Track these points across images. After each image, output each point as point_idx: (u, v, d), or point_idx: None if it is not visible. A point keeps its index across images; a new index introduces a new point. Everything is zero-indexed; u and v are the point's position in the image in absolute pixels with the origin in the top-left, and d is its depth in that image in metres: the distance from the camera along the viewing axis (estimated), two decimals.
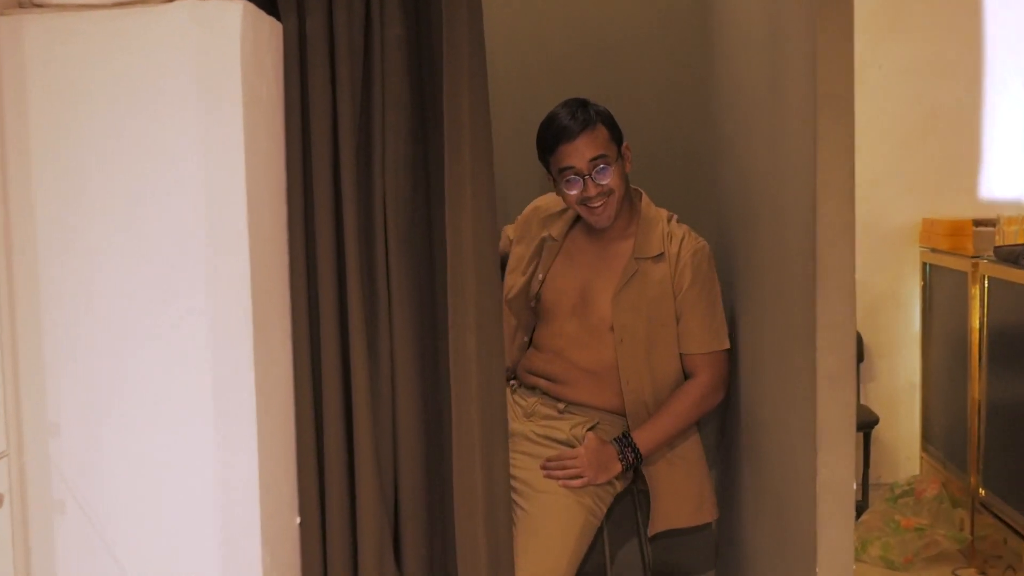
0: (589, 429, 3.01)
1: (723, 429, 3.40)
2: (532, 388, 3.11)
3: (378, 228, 2.50)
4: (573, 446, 2.99)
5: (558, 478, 2.91)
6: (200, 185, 2.17)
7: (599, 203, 2.90)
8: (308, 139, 2.46)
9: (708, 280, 2.96)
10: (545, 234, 3.11)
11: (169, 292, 2.18)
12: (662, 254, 2.95)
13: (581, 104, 2.92)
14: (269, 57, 2.36)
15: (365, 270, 2.49)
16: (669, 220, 3.00)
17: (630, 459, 2.95)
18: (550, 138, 2.90)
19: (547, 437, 3.02)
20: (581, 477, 2.90)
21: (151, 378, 2.19)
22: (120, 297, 2.18)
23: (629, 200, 3.00)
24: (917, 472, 5.08)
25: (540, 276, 3.07)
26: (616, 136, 2.93)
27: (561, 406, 3.05)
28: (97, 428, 2.21)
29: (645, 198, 3.05)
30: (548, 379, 3.08)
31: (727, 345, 2.99)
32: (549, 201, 3.18)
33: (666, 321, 2.96)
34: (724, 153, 3.31)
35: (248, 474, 2.21)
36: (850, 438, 2.19)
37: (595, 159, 2.87)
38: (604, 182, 2.88)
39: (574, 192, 2.91)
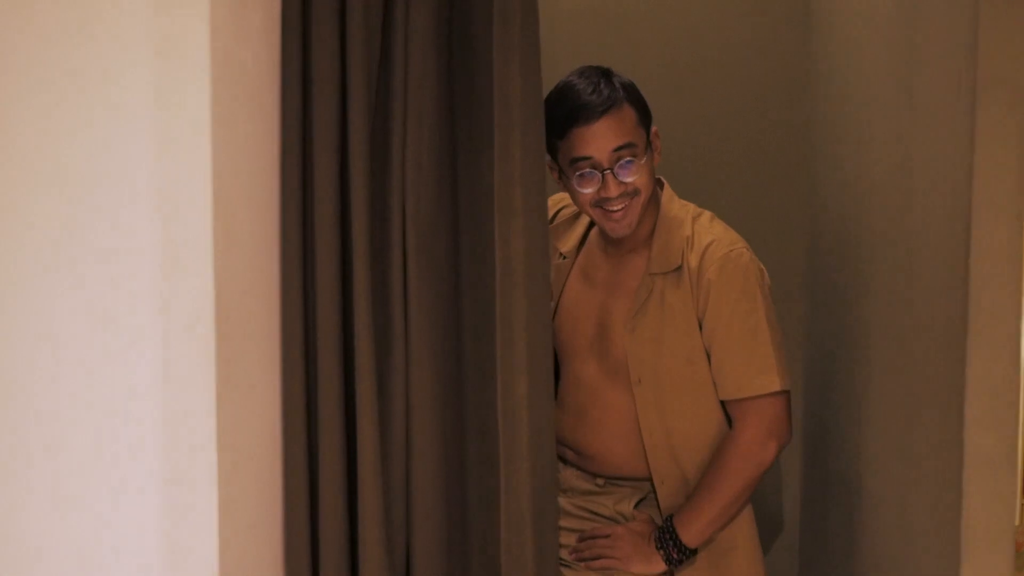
0: (639, 503, 2.40)
1: (807, 490, 2.84)
2: (559, 457, 2.50)
3: (395, 240, 2.00)
4: (620, 523, 2.40)
5: (590, 563, 2.34)
6: (151, 183, 1.67)
7: (620, 206, 2.26)
8: (309, 125, 1.96)
9: (745, 299, 2.27)
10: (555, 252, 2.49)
11: (108, 318, 1.68)
12: (681, 267, 2.30)
13: (603, 75, 2.28)
14: (257, 16, 1.85)
15: (377, 294, 2.00)
16: (696, 219, 2.34)
17: (673, 555, 2.31)
18: (562, 117, 2.23)
19: (589, 511, 2.44)
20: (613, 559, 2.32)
21: (83, 427, 1.69)
22: (45, 323, 1.68)
23: (655, 201, 2.36)
24: (1017, 522, 4.43)
25: (552, 304, 2.45)
26: (645, 119, 2.28)
27: (600, 481, 2.45)
28: (12, 491, 1.70)
29: (667, 191, 2.38)
30: (576, 452, 2.45)
31: (777, 386, 2.26)
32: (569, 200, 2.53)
33: (692, 356, 2.30)
34: (824, 159, 2.77)
35: (205, 557, 1.69)
36: (1008, 547, 1.62)
37: (620, 149, 2.24)
38: (629, 179, 2.24)
39: (588, 191, 2.26)
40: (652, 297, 2.31)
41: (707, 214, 2.39)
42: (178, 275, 1.68)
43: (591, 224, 2.47)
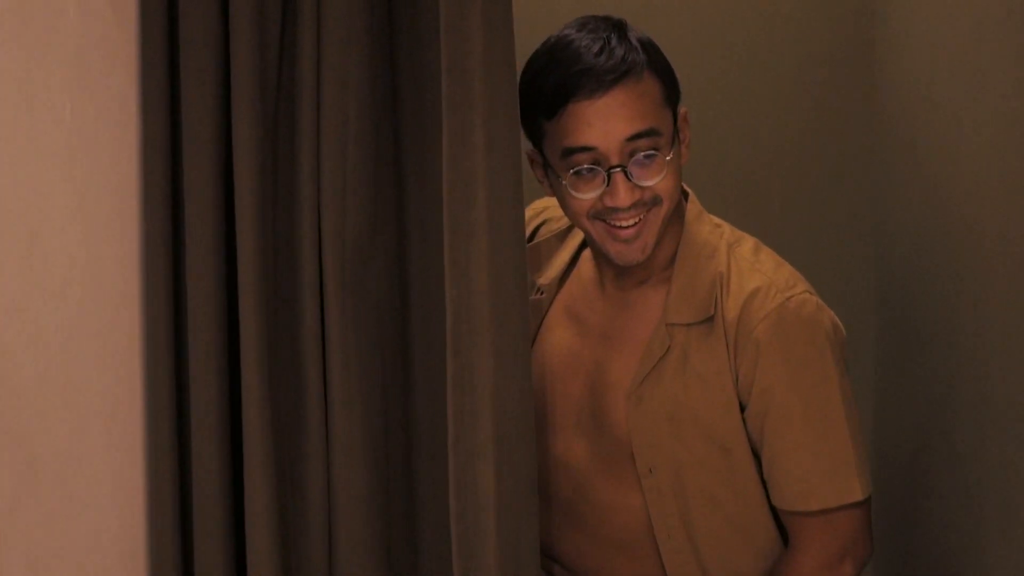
0: None
1: None
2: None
3: (306, 274, 1.41)
4: None
5: None
6: None
7: (632, 220, 1.63)
8: (176, 106, 1.38)
9: (811, 370, 1.67)
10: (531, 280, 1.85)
11: None
12: (713, 317, 1.67)
13: (616, 28, 1.63)
14: None
15: (281, 353, 1.42)
16: (733, 248, 1.72)
17: None
18: (553, 87, 1.60)
19: None
20: None
21: None
22: None
23: (678, 216, 1.72)
24: None
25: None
26: (672, 95, 1.66)
27: None
28: None
29: (693, 203, 1.75)
30: (565, 566, 1.79)
31: (858, 495, 1.63)
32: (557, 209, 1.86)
33: (729, 443, 1.68)
34: (897, 144, 2.21)
35: None
36: None
37: (637, 137, 1.60)
38: (648, 182, 1.61)
39: (588, 196, 1.62)
40: (670, 356, 1.64)
41: (749, 241, 1.71)
42: None
43: (582, 245, 1.83)
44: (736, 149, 2.49)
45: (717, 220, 1.74)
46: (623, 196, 1.59)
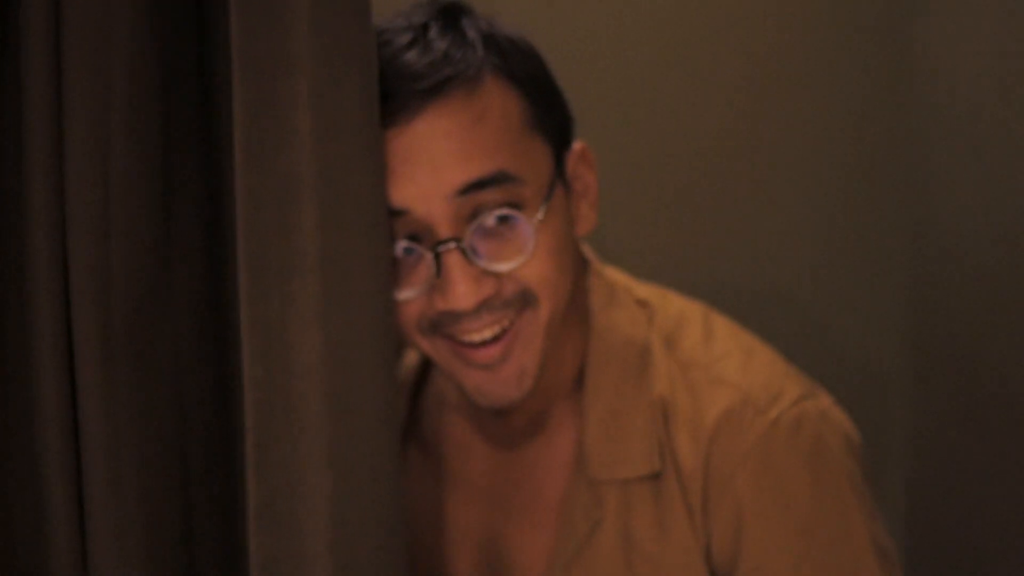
0: None
1: None
2: None
3: (44, 342, 0.94)
4: None
5: None
6: None
7: (491, 333, 1.03)
8: None
9: (825, 519, 1.09)
10: None
11: None
12: (659, 473, 1.09)
13: (443, 14, 1.03)
14: None
15: (10, 469, 0.96)
16: (672, 341, 1.12)
17: None
18: None
19: None
20: None
21: None
22: None
23: (576, 307, 1.11)
24: None
25: (405, 504, 1.17)
26: (545, 115, 1.05)
27: None
28: None
29: (596, 276, 1.14)
30: None
31: None
32: None
33: None
34: (944, 157, 1.73)
35: None
36: None
37: (476, 188, 0.99)
38: (504, 265, 1.01)
39: (409, 295, 1.02)
40: (602, 531, 1.06)
41: (695, 320, 1.02)
42: None
43: (424, 364, 1.22)
44: (706, 159, 2.01)
45: (640, 293, 1.11)
46: (462, 291, 0.97)
